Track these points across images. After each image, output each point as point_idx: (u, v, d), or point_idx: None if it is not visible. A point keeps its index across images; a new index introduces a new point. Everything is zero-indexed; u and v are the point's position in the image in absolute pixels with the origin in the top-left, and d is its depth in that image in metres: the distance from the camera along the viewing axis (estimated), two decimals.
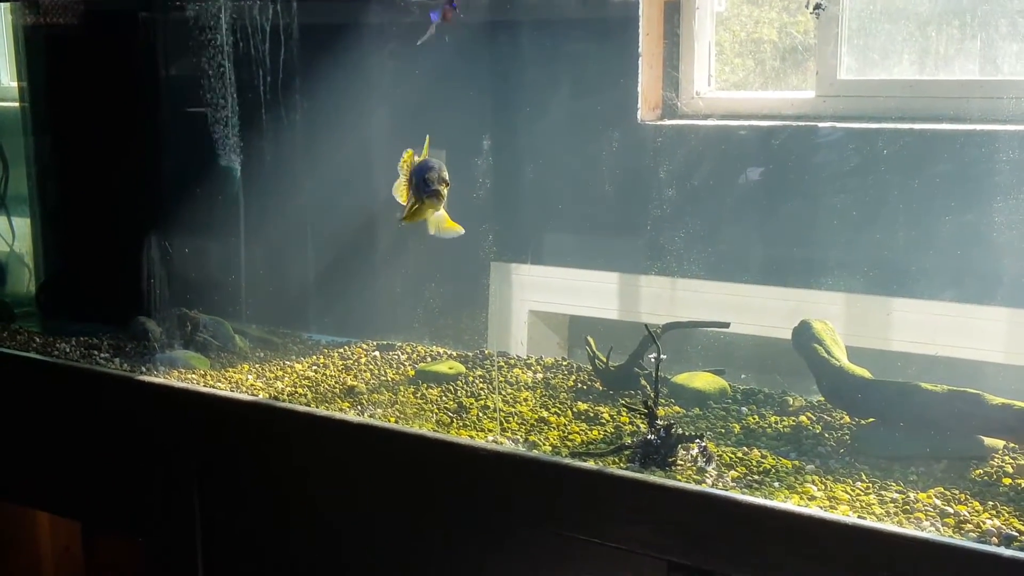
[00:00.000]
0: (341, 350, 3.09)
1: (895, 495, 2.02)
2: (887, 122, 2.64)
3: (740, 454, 2.23)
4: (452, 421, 2.50)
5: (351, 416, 2.51)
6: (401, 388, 2.75)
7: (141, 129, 3.34)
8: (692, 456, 2.18)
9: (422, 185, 2.26)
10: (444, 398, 2.66)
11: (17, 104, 3.69)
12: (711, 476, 2.12)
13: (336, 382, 2.80)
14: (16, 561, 3.52)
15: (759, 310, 2.75)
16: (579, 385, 2.73)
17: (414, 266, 3.16)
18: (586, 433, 2.39)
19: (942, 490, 2.04)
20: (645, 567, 2.05)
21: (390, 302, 3.24)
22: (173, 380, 2.79)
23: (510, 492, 2.23)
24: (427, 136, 2.33)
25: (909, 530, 1.86)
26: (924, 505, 1.98)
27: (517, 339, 3.12)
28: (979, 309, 2.53)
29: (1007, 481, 2.08)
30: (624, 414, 2.48)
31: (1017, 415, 2.10)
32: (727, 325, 2.64)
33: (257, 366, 2.97)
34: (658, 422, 2.22)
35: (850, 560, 1.84)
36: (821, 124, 2.71)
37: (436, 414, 2.54)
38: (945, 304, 2.56)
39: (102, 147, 3.39)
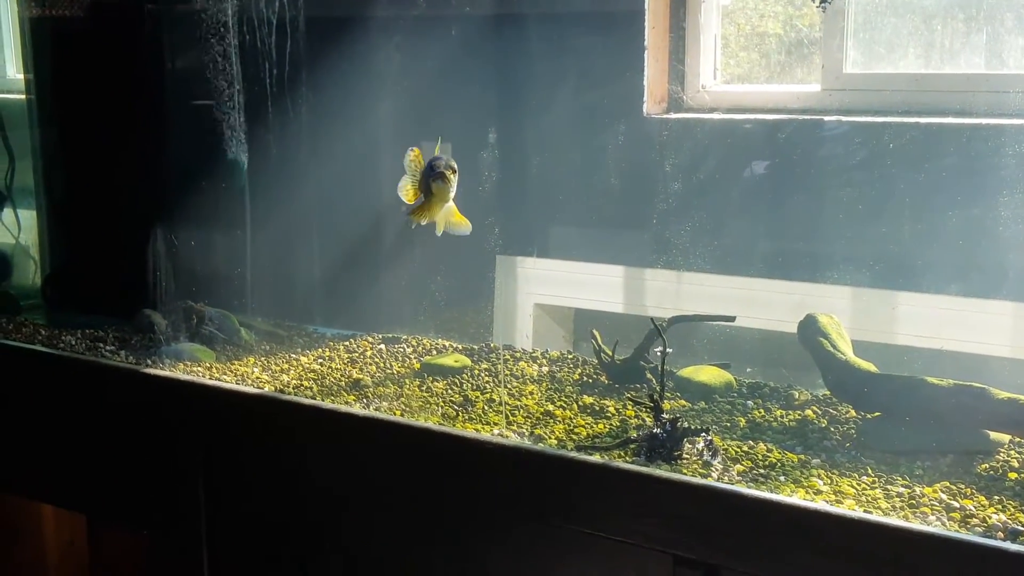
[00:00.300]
0: (347, 343, 3.09)
1: (901, 489, 2.02)
2: (893, 116, 2.64)
3: (746, 448, 2.23)
4: (457, 414, 2.50)
5: (357, 409, 2.51)
6: (407, 381, 2.75)
7: (147, 122, 3.34)
8: (698, 450, 2.18)
9: (428, 172, 2.26)
10: (450, 391, 2.66)
11: (23, 96, 3.68)
12: (717, 470, 2.12)
13: (342, 375, 2.80)
14: (21, 554, 3.52)
15: (765, 304, 2.75)
16: (585, 378, 2.73)
17: (420, 259, 3.17)
18: (592, 427, 2.39)
19: (948, 484, 2.04)
20: (650, 561, 2.05)
21: (396, 295, 3.24)
22: (179, 373, 2.79)
23: (515, 485, 2.23)
24: (439, 137, 2.33)
25: (915, 524, 1.86)
26: (930, 499, 1.98)
27: (522, 332, 3.12)
28: (985, 303, 2.52)
29: (1013, 475, 2.08)
30: (630, 407, 2.49)
31: (1023, 409, 2.10)
32: (733, 319, 2.64)
33: (263, 359, 2.97)
34: (664, 416, 2.22)
35: (856, 554, 1.84)
36: (827, 118, 2.71)
37: (442, 407, 2.55)
38: (951, 298, 2.56)
39: (108, 139, 3.39)
